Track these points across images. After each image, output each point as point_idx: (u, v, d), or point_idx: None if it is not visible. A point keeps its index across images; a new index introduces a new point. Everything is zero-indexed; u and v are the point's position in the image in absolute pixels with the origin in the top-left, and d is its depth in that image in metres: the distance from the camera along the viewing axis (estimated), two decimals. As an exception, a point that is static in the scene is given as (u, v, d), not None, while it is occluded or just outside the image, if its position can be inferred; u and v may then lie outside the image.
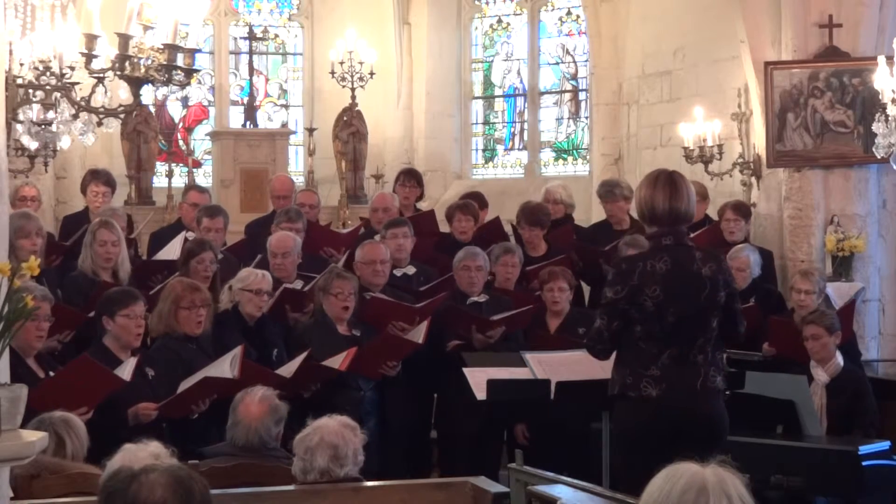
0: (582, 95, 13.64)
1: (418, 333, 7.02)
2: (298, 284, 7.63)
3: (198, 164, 13.39)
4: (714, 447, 4.48)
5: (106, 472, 3.95)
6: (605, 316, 5.09)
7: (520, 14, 14.03)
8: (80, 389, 5.59)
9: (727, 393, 5.26)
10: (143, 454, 3.92)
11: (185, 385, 6.07)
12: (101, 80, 5.08)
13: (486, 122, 14.29)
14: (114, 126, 5.38)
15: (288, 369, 6.49)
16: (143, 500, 2.59)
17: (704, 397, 5.01)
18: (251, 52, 13.07)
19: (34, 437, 3.48)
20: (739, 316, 5.29)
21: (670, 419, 4.89)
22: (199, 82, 13.53)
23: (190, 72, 5.17)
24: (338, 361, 6.58)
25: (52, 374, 5.81)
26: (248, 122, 12.58)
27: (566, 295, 7.58)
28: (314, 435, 4.47)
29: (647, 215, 5.12)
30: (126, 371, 5.81)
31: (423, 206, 12.59)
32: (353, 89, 12.35)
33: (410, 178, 9.72)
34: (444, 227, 9.27)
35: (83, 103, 5.14)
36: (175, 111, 13.87)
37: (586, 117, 13.45)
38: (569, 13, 13.74)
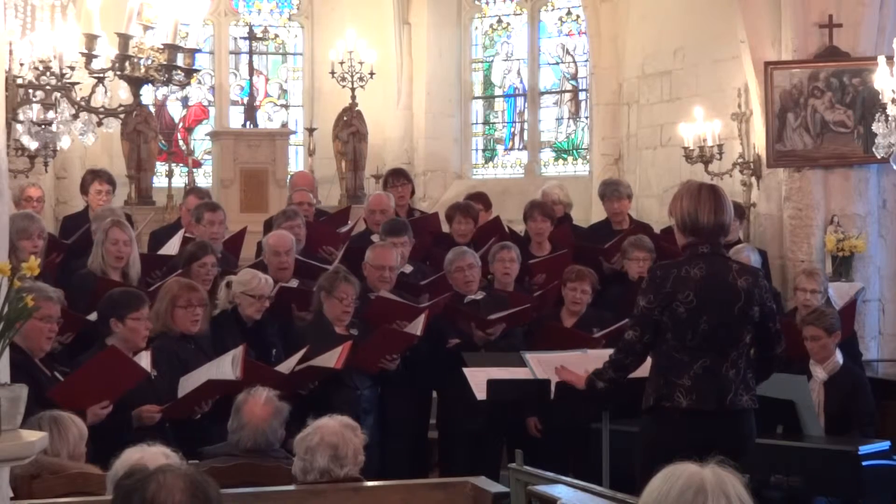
0: (582, 95, 13.63)
1: (416, 326, 7.03)
2: (294, 283, 7.65)
3: (198, 164, 13.39)
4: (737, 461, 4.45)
5: (113, 470, 3.96)
6: (638, 328, 5.03)
7: (520, 14, 14.03)
8: (104, 382, 5.63)
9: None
10: (152, 454, 3.91)
11: (185, 384, 6.08)
12: (101, 80, 5.09)
13: (486, 122, 14.29)
14: (114, 126, 5.39)
15: (286, 366, 6.50)
16: (161, 501, 2.60)
17: (731, 414, 4.98)
18: (251, 52, 13.06)
19: (34, 437, 3.48)
20: (777, 337, 5.17)
21: (697, 432, 4.84)
22: (199, 82, 13.53)
23: (190, 72, 5.18)
24: (333, 358, 6.58)
25: (57, 374, 5.82)
26: (248, 122, 12.57)
27: (588, 297, 7.62)
28: (314, 435, 4.47)
29: (690, 227, 5.04)
30: (144, 364, 5.84)
31: (424, 206, 12.67)
32: (353, 89, 12.35)
33: (399, 177, 9.71)
34: (445, 226, 9.27)
35: (83, 103, 5.14)
36: (175, 111, 13.87)
37: (586, 117, 13.45)
38: (569, 13, 13.74)
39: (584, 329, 7.43)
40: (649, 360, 5.16)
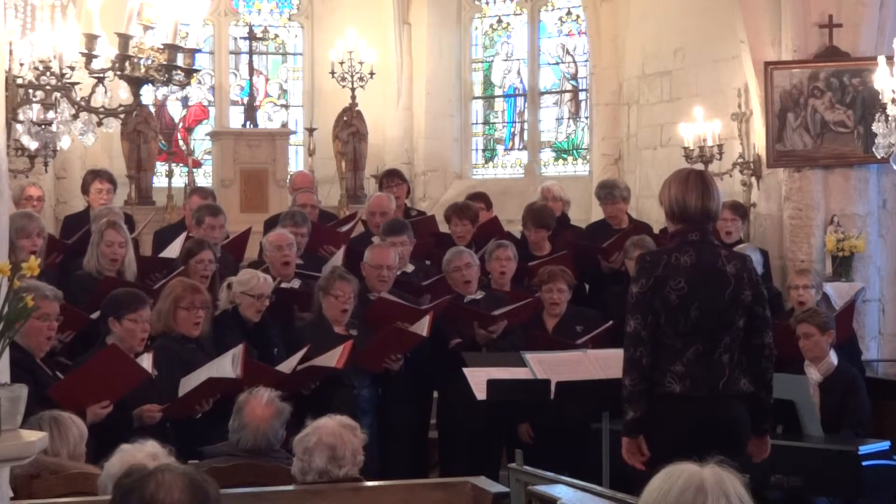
0: (582, 95, 13.64)
1: (422, 326, 7.03)
2: (296, 284, 7.65)
3: (198, 164, 13.40)
4: (734, 451, 4.44)
5: (106, 470, 3.96)
6: (638, 314, 4.96)
7: (520, 14, 14.03)
8: (105, 381, 5.63)
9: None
10: (141, 454, 3.91)
11: (185, 384, 6.08)
12: (101, 80, 5.08)
13: (486, 122, 14.29)
14: (114, 126, 5.39)
15: (287, 366, 6.50)
16: (160, 500, 2.60)
17: (726, 399, 4.96)
18: (251, 52, 13.07)
19: (34, 437, 3.48)
20: (764, 322, 5.07)
21: (691, 417, 4.85)
22: (199, 82, 13.53)
23: (190, 72, 5.17)
24: (334, 357, 6.58)
25: (58, 373, 5.82)
26: (248, 122, 12.58)
27: (565, 296, 7.60)
28: (312, 436, 4.46)
29: (678, 213, 5.05)
30: (145, 365, 5.84)
31: (424, 206, 12.67)
32: (353, 89, 12.36)
33: (393, 178, 9.72)
34: (443, 226, 9.27)
35: (83, 103, 5.14)
36: (175, 111, 13.88)
37: (586, 117, 13.45)
38: (569, 13, 13.75)
39: (567, 327, 7.44)
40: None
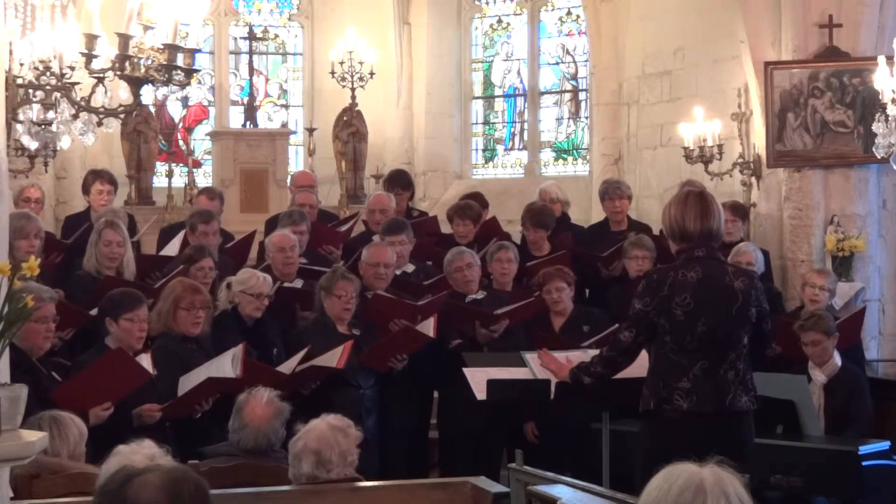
0: (582, 95, 13.63)
1: (428, 327, 7.03)
2: (298, 283, 7.66)
3: (198, 164, 13.39)
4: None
5: (103, 474, 3.95)
6: (634, 328, 5.07)
7: (520, 14, 14.03)
8: (108, 384, 5.65)
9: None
10: (137, 457, 3.90)
11: (185, 383, 6.08)
12: (101, 80, 5.08)
13: (486, 122, 14.29)
14: (114, 126, 5.39)
15: (288, 366, 6.50)
16: (132, 500, 2.58)
17: (730, 416, 5.00)
18: (251, 52, 13.07)
19: (34, 437, 3.48)
20: (769, 337, 5.28)
21: (696, 433, 4.86)
22: (199, 82, 13.52)
23: (190, 72, 5.17)
24: (334, 357, 6.59)
25: (54, 373, 5.82)
26: (248, 122, 12.58)
27: (566, 293, 7.61)
28: (299, 441, 4.44)
29: (678, 234, 5.09)
30: (144, 365, 5.85)
31: (424, 206, 12.66)
32: (353, 89, 12.35)
33: (394, 185, 9.70)
34: (444, 227, 9.27)
35: (83, 103, 5.14)
36: (175, 111, 13.87)
37: (586, 117, 13.44)
38: (569, 13, 13.74)
39: (575, 327, 7.46)
40: (645, 361, 5.18)
